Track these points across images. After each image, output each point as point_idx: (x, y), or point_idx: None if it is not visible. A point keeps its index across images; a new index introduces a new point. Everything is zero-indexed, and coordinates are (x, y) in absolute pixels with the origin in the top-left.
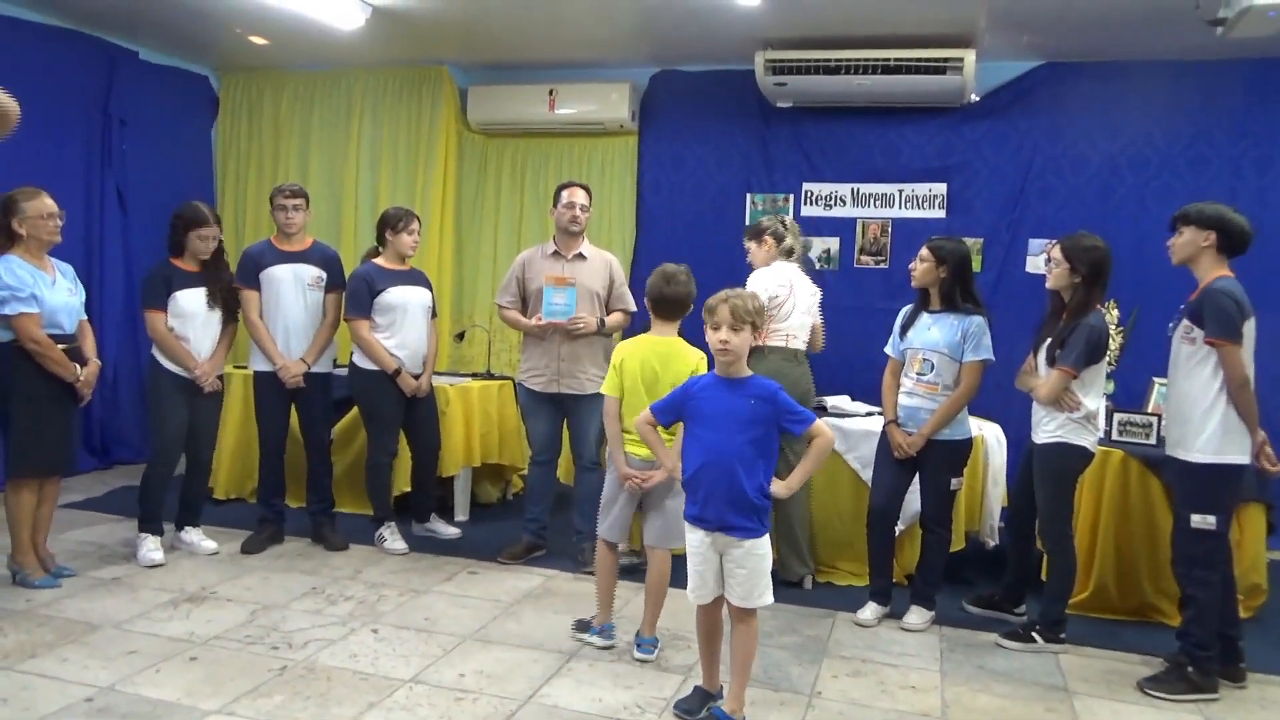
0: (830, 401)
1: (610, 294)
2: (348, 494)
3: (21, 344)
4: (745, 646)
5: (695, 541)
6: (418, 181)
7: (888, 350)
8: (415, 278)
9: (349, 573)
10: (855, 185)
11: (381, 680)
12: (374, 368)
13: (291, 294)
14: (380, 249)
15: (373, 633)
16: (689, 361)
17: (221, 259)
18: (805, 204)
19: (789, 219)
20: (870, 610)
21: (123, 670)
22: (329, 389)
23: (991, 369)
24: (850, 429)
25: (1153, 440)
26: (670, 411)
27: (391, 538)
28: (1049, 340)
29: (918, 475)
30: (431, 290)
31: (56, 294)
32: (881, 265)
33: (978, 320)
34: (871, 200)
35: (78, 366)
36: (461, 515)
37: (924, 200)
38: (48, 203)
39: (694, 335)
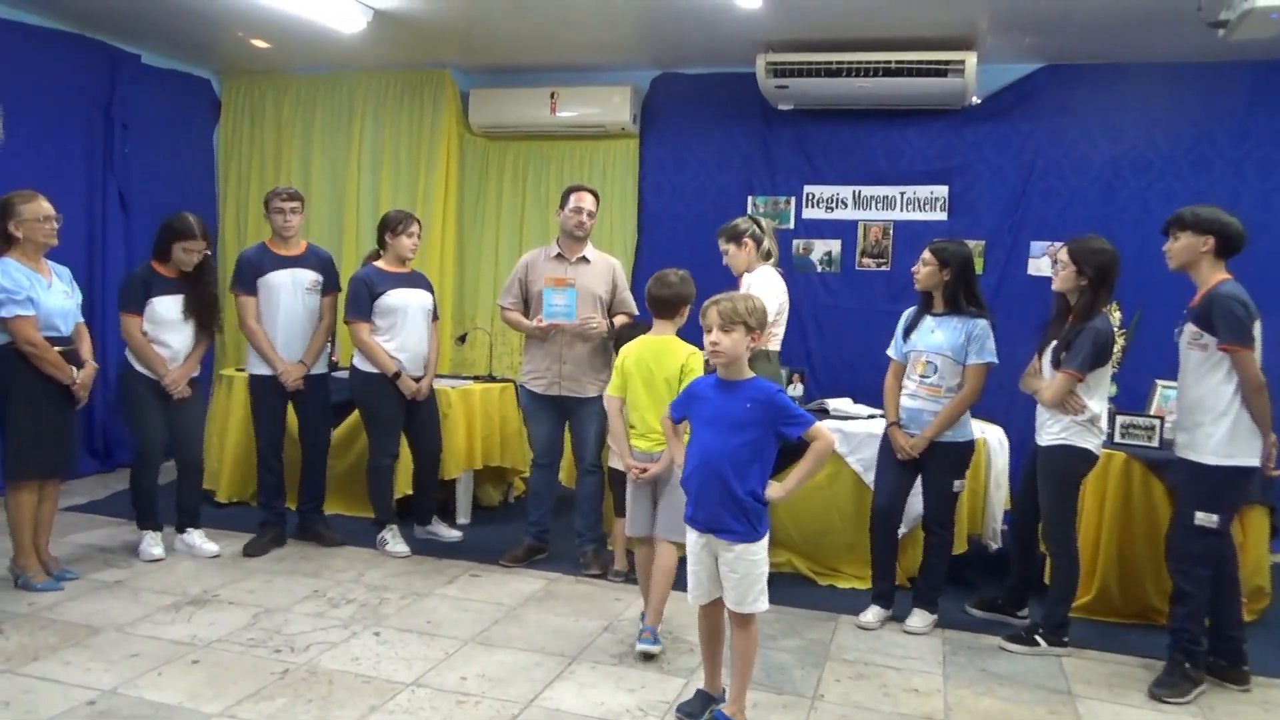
0: (832, 404)
1: (613, 297)
2: (348, 497)
3: (18, 346)
4: (745, 650)
5: (691, 542)
6: (419, 184)
7: (890, 352)
8: (416, 280)
9: (351, 576)
10: (857, 188)
11: (383, 683)
12: (374, 370)
13: (290, 299)
14: (381, 252)
15: (375, 636)
16: (679, 357)
17: (205, 273)
18: (807, 206)
19: (764, 220)
20: (873, 613)
21: (125, 673)
22: (326, 391)
23: (993, 371)
24: (852, 431)
25: (1155, 443)
26: (679, 409)
27: (393, 541)
28: (1054, 343)
29: (920, 478)
30: (432, 293)
31: (53, 297)
32: (883, 268)
33: (982, 323)
34: (873, 203)
35: (74, 369)
36: (463, 518)
37: (926, 203)
38: (44, 206)
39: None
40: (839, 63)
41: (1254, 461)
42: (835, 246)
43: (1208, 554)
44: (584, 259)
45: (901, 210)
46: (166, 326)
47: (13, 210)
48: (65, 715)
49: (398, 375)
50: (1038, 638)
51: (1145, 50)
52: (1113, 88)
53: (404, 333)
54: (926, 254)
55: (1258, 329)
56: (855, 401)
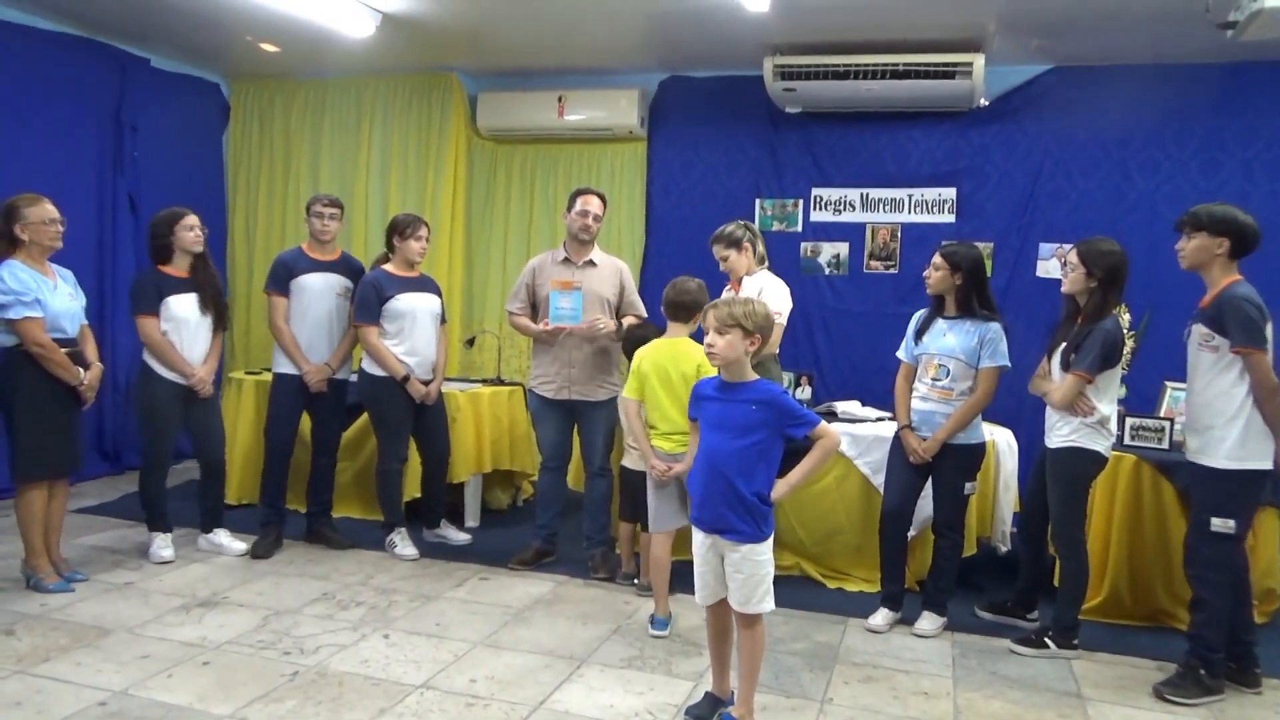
0: (840, 407)
1: (621, 300)
2: (357, 500)
3: (25, 348)
4: (751, 652)
5: (696, 543)
6: (428, 187)
7: (900, 355)
8: (424, 284)
9: (360, 578)
10: (864, 190)
11: (393, 686)
12: (383, 374)
13: (321, 301)
14: (389, 255)
15: (384, 638)
16: (694, 358)
17: (210, 264)
18: (815, 209)
19: (754, 225)
20: (882, 616)
21: (135, 675)
22: (343, 394)
23: (1003, 374)
24: (861, 434)
25: (1165, 445)
26: (690, 409)
27: (402, 543)
28: (1063, 345)
29: (930, 480)
30: (441, 296)
31: (58, 298)
32: (891, 270)
33: (995, 326)
34: (881, 205)
35: (81, 370)
36: (472, 521)
37: (933, 205)
38: (49, 209)
39: None
40: (846, 65)
41: (1267, 464)
42: (843, 249)
43: (1223, 559)
44: (591, 262)
45: (909, 213)
46: (184, 325)
47: (18, 213)
48: (77, 716)
49: (406, 379)
50: (1047, 640)
51: (1153, 51)
52: (1121, 89)
53: (413, 336)
54: (937, 258)
55: (1270, 331)
56: (863, 404)
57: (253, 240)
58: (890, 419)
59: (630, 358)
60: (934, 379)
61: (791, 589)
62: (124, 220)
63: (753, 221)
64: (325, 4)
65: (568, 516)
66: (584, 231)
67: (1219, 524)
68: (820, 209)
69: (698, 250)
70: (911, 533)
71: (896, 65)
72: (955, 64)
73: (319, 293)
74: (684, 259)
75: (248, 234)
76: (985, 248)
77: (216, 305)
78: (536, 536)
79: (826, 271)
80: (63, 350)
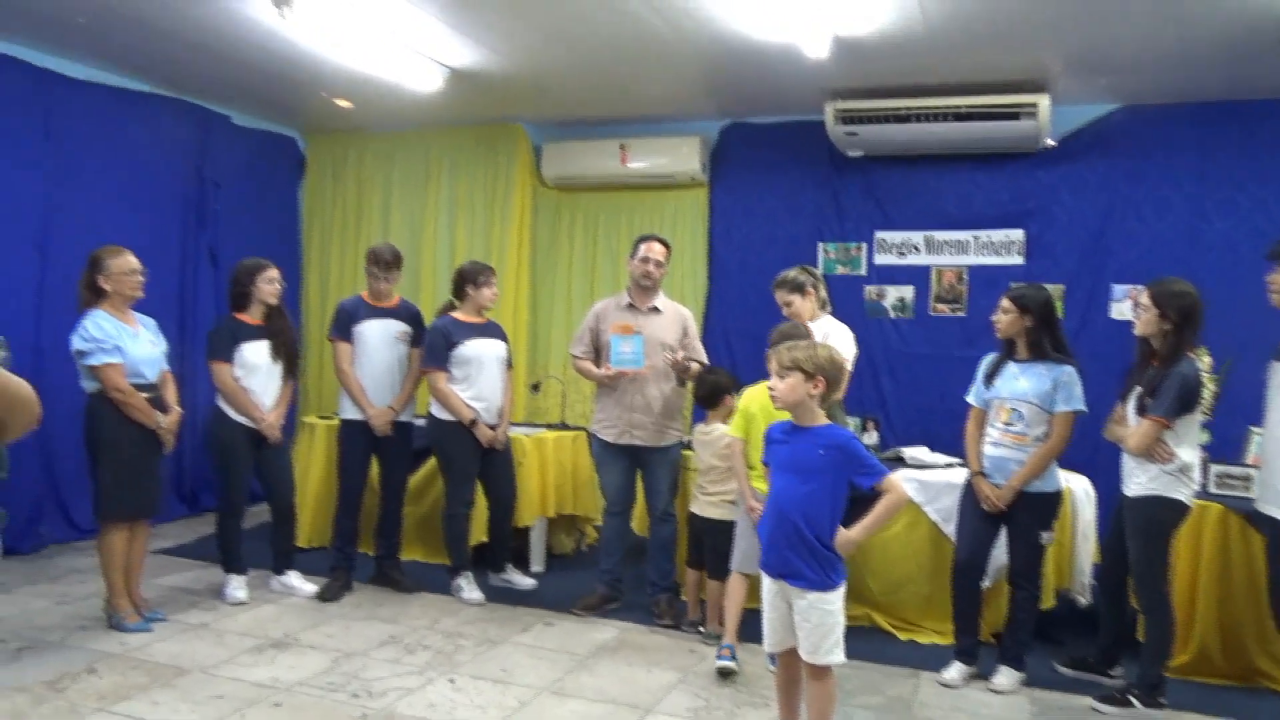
0: (908, 452)
1: (684, 346)
2: (424, 543)
3: (108, 393)
4: (821, 705)
5: (765, 588)
6: (494, 235)
7: (970, 399)
8: (491, 330)
9: (426, 622)
10: (929, 233)
11: None
12: (451, 418)
13: (380, 347)
14: (456, 303)
15: (450, 683)
16: None
17: (284, 313)
18: (878, 252)
19: (817, 270)
20: (956, 670)
21: (210, 714)
22: (409, 438)
23: (1078, 419)
24: (930, 480)
25: (1253, 493)
26: (764, 453)
27: (468, 587)
28: (1138, 389)
29: (1005, 529)
30: (507, 342)
31: (139, 345)
32: (958, 313)
33: (1069, 370)
34: (946, 247)
35: (160, 414)
36: (537, 566)
37: (1001, 246)
38: (130, 260)
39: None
40: (908, 109)
41: None
42: (908, 292)
43: None
44: (655, 308)
45: (976, 254)
46: (256, 371)
47: (102, 265)
48: None
49: (473, 423)
50: (1132, 698)
51: (1227, 88)
52: (1194, 127)
53: (480, 381)
54: (1005, 301)
55: None
56: (932, 449)
57: (326, 288)
58: (960, 465)
59: (703, 402)
60: (1006, 424)
61: (861, 640)
62: (204, 271)
63: (815, 266)
64: (396, 60)
65: (632, 562)
66: (645, 278)
67: None
68: (884, 252)
69: (759, 295)
70: (985, 583)
71: (959, 107)
72: (1020, 105)
73: (379, 339)
74: (746, 304)
75: (321, 282)
76: (1056, 289)
77: (287, 353)
78: (601, 582)
79: (891, 315)
80: (143, 395)
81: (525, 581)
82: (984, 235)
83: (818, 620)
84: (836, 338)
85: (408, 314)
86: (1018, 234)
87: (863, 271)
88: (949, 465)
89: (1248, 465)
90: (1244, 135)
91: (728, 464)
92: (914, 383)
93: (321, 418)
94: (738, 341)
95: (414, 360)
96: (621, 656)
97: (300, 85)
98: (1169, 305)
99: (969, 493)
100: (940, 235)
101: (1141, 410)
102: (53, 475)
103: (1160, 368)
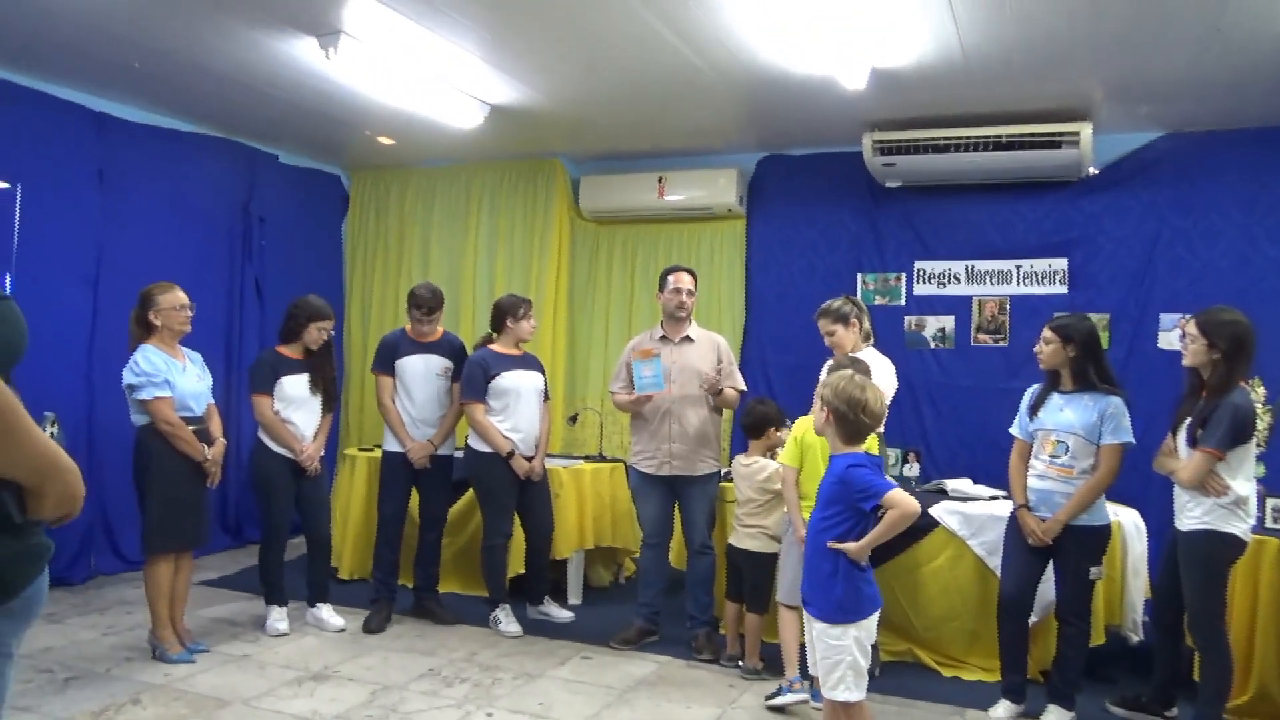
0: (951, 485)
1: (720, 374)
2: (462, 575)
3: (156, 426)
4: None
5: (805, 614)
6: (533, 268)
7: (1014, 431)
8: (528, 362)
9: (464, 654)
10: (969, 262)
11: None
12: (489, 450)
13: (422, 381)
14: (494, 335)
15: (487, 716)
16: None
17: (330, 351)
18: (918, 282)
19: (860, 300)
20: (1003, 708)
21: None
22: (449, 471)
23: (1127, 451)
24: (973, 514)
25: None
26: None
27: (506, 620)
28: (1189, 420)
29: (1052, 564)
30: (544, 374)
31: (187, 379)
32: (1001, 344)
33: (1116, 401)
34: (987, 277)
35: (205, 447)
36: (575, 598)
37: (1043, 276)
38: (179, 295)
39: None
40: (947, 139)
41: None
42: (949, 322)
43: None
44: (688, 338)
45: (1018, 284)
46: (296, 404)
47: (152, 300)
48: None
49: (511, 455)
50: None
51: (1273, 113)
52: (1241, 153)
53: (517, 413)
54: (1047, 332)
55: None
56: (975, 482)
57: (368, 322)
58: (1004, 497)
59: (749, 431)
60: (1052, 455)
61: (904, 676)
62: (250, 305)
63: (861, 297)
64: (438, 98)
65: (671, 595)
66: (679, 309)
67: None
68: (924, 282)
69: (797, 327)
70: (1033, 619)
71: (999, 137)
72: (1061, 134)
73: (421, 373)
74: (784, 336)
75: (363, 315)
76: (1101, 319)
77: (326, 386)
78: (639, 615)
79: (932, 345)
80: (190, 428)
81: (563, 614)
82: (1026, 264)
83: (824, 652)
84: (877, 371)
85: (450, 347)
86: (1061, 263)
87: (902, 301)
88: (993, 498)
89: None
90: None
91: (766, 496)
92: (955, 414)
93: (362, 450)
94: (775, 373)
95: (455, 395)
96: (660, 691)
97: (345, 124)
98: (1217, 335)
99: (1014, 526)
100: (981, 265)
101: (1193, 442)
102: (103, 507)
103: (1211, 398)
